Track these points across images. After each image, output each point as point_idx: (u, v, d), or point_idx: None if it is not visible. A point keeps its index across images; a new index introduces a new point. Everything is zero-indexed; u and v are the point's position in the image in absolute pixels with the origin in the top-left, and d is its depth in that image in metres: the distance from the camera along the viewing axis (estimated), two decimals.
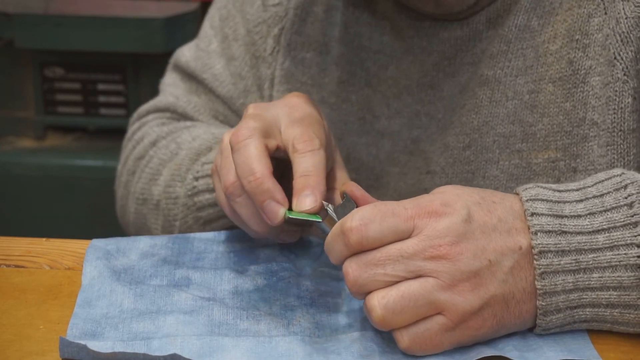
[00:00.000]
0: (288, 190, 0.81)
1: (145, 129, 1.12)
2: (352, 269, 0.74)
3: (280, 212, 0.79)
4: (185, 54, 1.16)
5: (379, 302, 0.74)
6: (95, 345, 0.75)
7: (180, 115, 1.13)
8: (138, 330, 0.79)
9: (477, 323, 0.75)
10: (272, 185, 0.79)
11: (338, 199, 0.86)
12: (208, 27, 1.15)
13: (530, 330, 0.79)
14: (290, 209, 0.80)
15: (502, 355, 0.76)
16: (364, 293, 0.75)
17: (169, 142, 1.07)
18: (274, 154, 0.84)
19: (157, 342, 0.76)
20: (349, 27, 1.02)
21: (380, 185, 1.02)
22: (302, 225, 0.87)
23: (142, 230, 1.08)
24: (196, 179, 1.00)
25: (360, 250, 0.74)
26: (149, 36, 2.07)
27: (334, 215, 0.79)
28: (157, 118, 1.13)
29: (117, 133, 2.21)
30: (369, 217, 0.73)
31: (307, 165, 0.81)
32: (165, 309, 0.82)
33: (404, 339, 0.75)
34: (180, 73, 1.15)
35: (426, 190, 0.96)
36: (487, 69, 0.95)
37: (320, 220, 0.80)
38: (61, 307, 0.83)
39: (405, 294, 0.73)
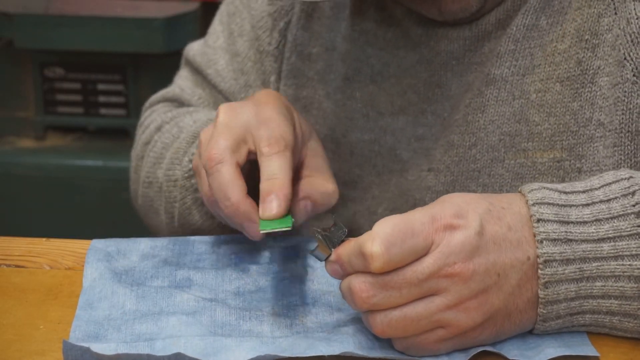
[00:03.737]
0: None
1: (153, 115, 1.15)
2: (366, 287, 0.73)
3: (258, 232, 0.82)
4: (194, 47, 1.18)
5: (382, 320, 0.74)
6: (99, 348, 0.75)
7: (187, 106, 1.15)
8: (141, 331, 0.79)
9: (476, 333, 0.76)
10: (247, 207, 0.82)
11: (316, 196, 0.88)
12: (217, 22, 1.16)
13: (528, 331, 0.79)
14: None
15: (502, 353, 0.76)
16: (370, 309, 0.75)
17: (172, 126, 1.08)
18: (250, 157, 0.86)
19: (161, 343, 0.76)
20: (355, 24, 1.02)
21: (382, 181, 1.02)
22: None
23: (149, 212, 1.10)
24: (191, 161, 1.00)
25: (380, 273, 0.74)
26: (149, 36, 2.07)
27: (326, 239, 0.77)
28: (165, 106, 1.16)
29: (117, 133, 2.22)
30: (391, 240, 0.72)
31: (272, 168, 0.83)
32: (168, 310, 0.82)
33: (400, 344, 0.76)
34: (189, 66, 1.18)
35: (429, 188, 0.96)
36: (495, 68, 0.94)
37: (290, 227, 0.80)
38: (61, 307, 0.83)
39: (408, 315, 0.74)
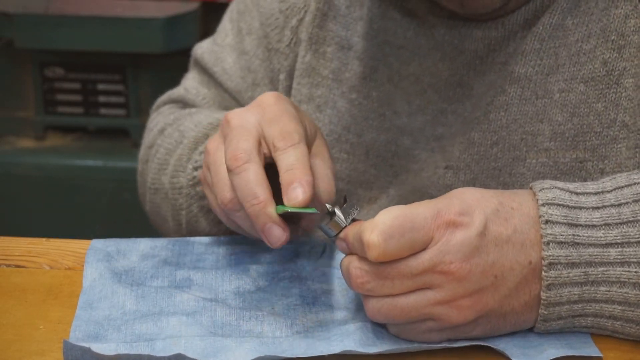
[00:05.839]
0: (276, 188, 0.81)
1: (158, 118, 1.14)
2: (361, 273, 0.75)
3: (281, 236, 0.79)
4: (202, 46, 1.17)
5: (373, 305, 0.75)
6: (99, 348, 0.75)
7: (191, 107, 1.15)
8: (141, 331, 0.79)
9: (468, 328, 0.76)
10: (274, 210, 0.80)
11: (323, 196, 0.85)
12: (227, 20, 1.16)
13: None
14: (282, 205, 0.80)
15: (504, 352, 0.76)
16: (364, 294, 0.76)
17: (174, 130, 1.08)
18: (265, 161, 0.85)
19: (161, 343, 0.76)
20: (374, 22, 1.01)
21: (399, 181, 1.01)
22: (295, 223, 0.87)
23: (157, 218, 1.10)
24: (195, 169, 1.00)
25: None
26: (149, 36, 2.07)
27: (341, 216, 0.79)
28: (170, 108, 1.15)
29: (117, 133, 2.22)
30: (389, 232, 0.73)
31: (290, 160, 0.80)
32: (168, 310, 0.82)
33: (393, 329, 0.77)
34: (197, 66, 1.17)
35: (448, 187, 0.95)
36: (519, 67, 0.94)
37: (315, 211, 0.79)
38: (61, 307, 0.83)
39: (399, 305, 0.74)
